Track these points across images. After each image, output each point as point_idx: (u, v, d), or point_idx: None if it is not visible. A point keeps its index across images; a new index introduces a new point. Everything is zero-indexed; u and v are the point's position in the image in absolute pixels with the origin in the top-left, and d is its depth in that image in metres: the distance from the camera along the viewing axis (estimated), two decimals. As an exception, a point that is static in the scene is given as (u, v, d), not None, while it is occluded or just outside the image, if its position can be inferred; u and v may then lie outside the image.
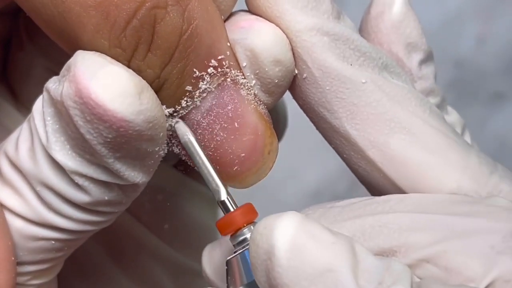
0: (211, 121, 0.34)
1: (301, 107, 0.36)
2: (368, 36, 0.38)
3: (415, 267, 0.32)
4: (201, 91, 0.33)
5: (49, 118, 0.32)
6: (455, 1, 0.80)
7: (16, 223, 0.34)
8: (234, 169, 0.34)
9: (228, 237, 0.34)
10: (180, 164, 0.46)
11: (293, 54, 0.34)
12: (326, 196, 0.79)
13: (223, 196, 0.34)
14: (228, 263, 0.33)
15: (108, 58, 0.31)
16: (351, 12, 0.37)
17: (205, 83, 0.33)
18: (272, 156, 0.35)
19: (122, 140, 0.31)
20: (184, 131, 0.34)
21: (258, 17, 0.34)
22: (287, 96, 0.37)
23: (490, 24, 0.81)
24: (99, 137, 0.31)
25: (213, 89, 0.33)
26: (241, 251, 0.33)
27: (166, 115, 0.33)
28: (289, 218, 0.29)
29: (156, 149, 0.32)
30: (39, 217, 0.33)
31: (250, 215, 0.34)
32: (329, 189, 0.79)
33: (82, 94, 0.30)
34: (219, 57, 0.33)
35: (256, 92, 0.34)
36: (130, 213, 0.44)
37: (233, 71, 0.34)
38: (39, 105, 0.33)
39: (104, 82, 0.30)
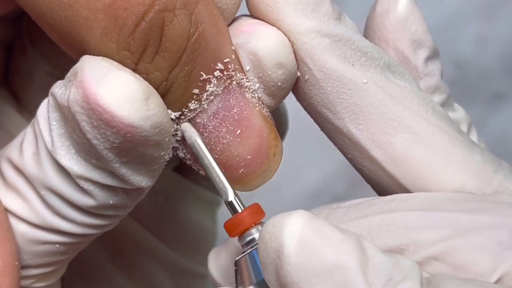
0: (217, 124, 0.34)
1: (305, 108, 0.36)
2: (373, 33, 0.39)
3: (423, 265, 0.32)
4: (208, 93, 0.33)
5: (54, 123, 0.32)
6: (455, 1, 0.80)
7: (20, 227, 0.34)
8: (240, 171, 0.35)
9: (234, 239, 0.34)
10: (181, 167, 0.46)
11: (295, 56, 0.35)
12: (326, 196, 0.79)
13: (231, 196, 0.34)
14: (237, 263, 0.33)
15: (115, 63, 0.31)
16: (351, 12, 0.37)
17: (212, 86, 0.33)
18: (277, 158, 0.35)
19: (129, 145, 0.31)
20: (190, 132, 0.34)
21: (260, 21, 0.35)
22: (287, 97, 0.37)
23: (490, 24, 0.81)
24: (106, 143, 0.31)
25: (220, 92, 0.34)
26: (249, 250, 0.33)
27: (172, 118, 0.33)
28: (297, 216, 0.29)
29: (162, 153, 0.32)
30: (43, 221, 0.33)
31: (258, 215, 0.34)
32: (329, 189, 0.79)
33: (90, 99, 0.30)
34: (225, 60, 0.33)
35: (259, 95, 0.35)
36: (131, 215, 0.44)
37: (238, 74, 0.34)
38: (44, 110, 0.33)
39: (111, 87, 0.30)
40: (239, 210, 0.34)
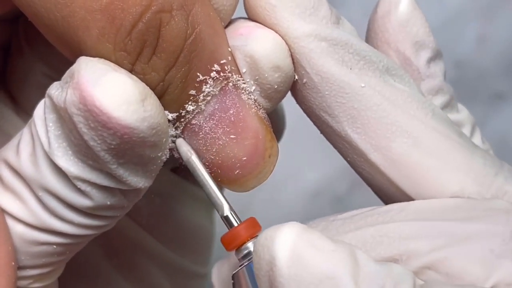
0: (213, 126, 0.34)
1: (304, 111, 0.37)
2: (375, 35, 0.39)
3: (417, 275, 0.32)
4: (204, 94, 0.33)
5: (51, 124, 0.32)
6: (455, 1, 0.80)
7: (17, 228, 0.34)
8: (236, 172, 0.35)
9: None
10: (178, 168, 0.46)
11: (293, 60, 0.35)
12: (326, 196, 0.79)
13: (227, 211, 0.34)
14: (234, 276, 0.34)
15: (112, 64, 0.32)
16: (352, 14, 0.37)
17: (208, 86, 0.33)
18: (273, 160, 0.35)
19: (126, 146, 0.31)
20: (186, 149, 0.34)
21: (258, 24, 0.35)
22: (286, 97, 0.37)
23: (490, 24, 0.81)
24: (103, 144, 0.31)
25: (216, 93, 0.34)
26: (246, 263, 0.33)
27: (170, 119, 0.33)
28: (289, 228, 0.30)
29: (159, 154, 0.33)
30: (40, 222, 0.33)
31: (254, 228, 0.34)
32: (329, 189, 0.79)
33: (86, 101, 0.30)
34: (222, 62, 0.33)
35: (256, 98, 0.35)
36: (128, 215, 0.44)
37: (234, 76, 0.34)
38: (41, 111, 0.33)
39: (108, 89, 0.30)
40: (235, 224, 0.34)
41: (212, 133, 0.34)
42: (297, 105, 0.37)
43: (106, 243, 0.44)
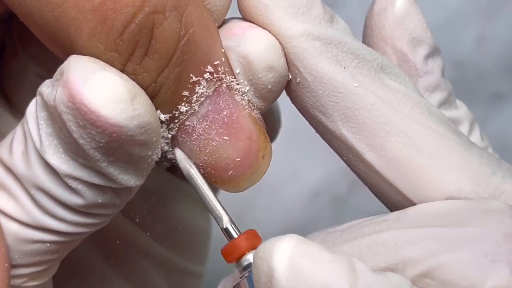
0: (207, 127, 0.34)
1: (299, 110, 0.36)
2: (372, 32, 0.39)
3: (414, 283, 0.32)
4: (198, 95, 0.33)
5: (42, 122, 0.32)
6: (455, 1, 0.80)
7: (11, 227, 0.34)
8: (229, 173, 0.35)
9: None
10: (174, 168, 0.46)
11: (286, 60, 0.35)
12: (326, 196, 0.79)
13: (226, 223, 0.35)
14: None
15: (102, 63, 0.32)
16: (351, 12, 0.37)
17: (201, 88, 0.33)
18: (266, 160, 0.35)
19: (115, 145, 0.31)
20: (185, 162, 0.34)
21: (251, 24, 0.35)
22: (285, 97, 0.37)
23: (490, 24, 0.81)
24: (92, 142, 0.31)
25: (210, 94, 0.34)
26: (247, 275, 0.33)
27: (163, 120, 0.33)
28: (287, 240, 0.30)
29: (149, 153, 0.33)
30: (34, 220, 0.33)
31: (254, 240, 0.34)
32: (329, 189, 0.79)
33: (75, 99, 0.30)
34: (215, 63, 0.33)
35: (250, 98, 0.35)
36: (123, 214, 0.44)
37: (227, 77, 0.34)
38: (33, 109, 0.33)
39: (96, 87, 0.30)
40: (235, 236, 0.34)
41: (206, 134, 0.34)
42: (296, 105, 0.37)
43: (101, 242, 0.44)
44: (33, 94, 0.33)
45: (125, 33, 0.31)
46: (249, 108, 0.35)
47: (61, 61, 0.33)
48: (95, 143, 0.31)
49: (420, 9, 0.38)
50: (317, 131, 0.37)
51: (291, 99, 0.36)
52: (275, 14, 0.34)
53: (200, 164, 0.35)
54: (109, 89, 0.30)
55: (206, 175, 0.35)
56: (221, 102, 0.34)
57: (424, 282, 0.32)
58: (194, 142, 0.34)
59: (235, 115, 0.34)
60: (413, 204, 0.35)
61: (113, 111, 0.30)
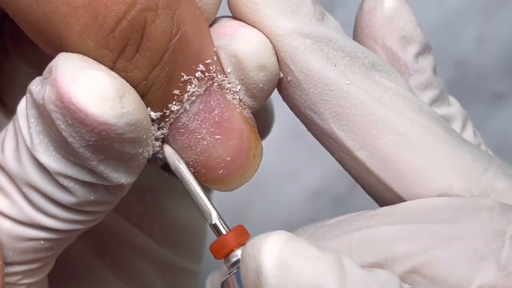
0: (197, 126, 0.34)
1: (291, 109, 0.36)
2: (361, 31, 0.38)
3: (403, 279, 0.32)
4: (189, 94, 0.33)
5: (32, 120, 0.32)
6: (455, 1, 0.80)
7: (4, 224, 0.34)
8: (220, 172, 0.35)
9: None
10: (168, 166, 0.46)
11: (277, 58, 0.35)
12: (326, 196, 0.79)
13: (215, 219, 0.35)
14: (223, 284, 0.34)
15: (90, 60, 0.31)
16: (351, 13, 0.37)
17: (193, 86, 0.33)
18: (257, 160, 0.35)
19: (105, 143, 0.31)
20: (173, 157, 0.34)
21: (241, 23, 0.35)
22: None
23: (490, 24, 0.81)
24: (81, 140, 0.31)
25: (201, 93, 0.34)
26: (235, 271, 0.33)
27: (154, 119, 0.33)
28: (275, 237, 0.30)
29: (140, 151, 0.33)
30: (27, 218, 0.33)
31: (242, 236, 0.34)
32: (329, 189, 0.79)
33: (63, 98, 0.30)
34: (207, 62, 0.33)
35: (241, 97, 0.35)
36: (119, 213, 0.44)
37: (219, 76, 0.34)
38: (23, 107, 0.33)
39: (84, 86, 0.30)
40: (224, 232, 0.34)
41: (197, 133, 0.34)
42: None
43: (97, 242, 0.44)
44: (25, 96, 0.33)
45: (116, 30, 0.31)
46: (240, 107, 0.35)
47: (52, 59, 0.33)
48: (84, 141, 0.31)
49: (409, 7, 0.38)
50: (309, 130, 0.37)
51: (282, 97, 0.36)
52: (266, 13, 0.34)
53: (191, 163, 0.35)
54: (97, 87, 0.30)
55: (197, 174, 0.35)
56: (212, 101, 0.34)
57: (413, 278, 0.32)
58: (185, 141, 0.34)
59: (226, 114, 0.34)
60: (404, 201, 0.35)
61: (101, 109, 0.30)
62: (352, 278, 0.29)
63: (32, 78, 0.40)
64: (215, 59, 0.34)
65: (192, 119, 0.34)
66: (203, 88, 0.34)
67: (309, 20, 0.35)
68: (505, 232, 0.32)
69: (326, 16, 0.36)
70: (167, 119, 0.34)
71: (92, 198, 0.33)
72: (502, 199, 0.34)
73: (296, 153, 0.76)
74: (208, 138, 0.34)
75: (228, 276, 0.34)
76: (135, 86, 0.32)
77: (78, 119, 0.30)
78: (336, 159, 0.36)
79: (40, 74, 0.33)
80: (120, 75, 0.32)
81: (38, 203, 0.33)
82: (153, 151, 0.34)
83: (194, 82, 0.33)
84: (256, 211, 0.76)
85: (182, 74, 0.33)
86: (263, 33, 0.34)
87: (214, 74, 0.34)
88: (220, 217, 0.35)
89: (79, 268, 0.44)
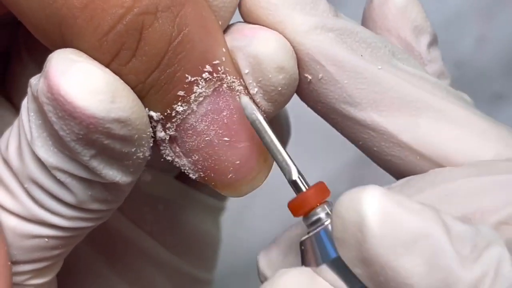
0: (205, 127, 0.33)
1: (320, 111, 0.36)
2: (373, 24, 0.39)
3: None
4: (196, 95, 0.33)
5: (32, 114, 0.32)
6: (455, 1, 0.80)
7: (10, 221, 0.34)
8: (229, 176, 0.34)
9: (282, 235, 0.34)
10: (182, 175, 0.46)
11: (304, 57, 0.34)
12: (326, 196, 0.79)
13: (295, 175, 0.33)
14: (303, 243, 0.32)
15: (85, 55, 0.31)
16: (351, 13, 0.37)
17: (200, 87, 0.33)
18: (268, 164, 0.35)
19: (93, 137, 0.31)
20: (251, 109, 0.33)
21: (262, 26, 0.34)
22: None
23: (490, 24, 0.81)
24: (72, 134, 0.31)
25: (209, 94, 0.33)
26: (319, 229, 0.32)
27: (155, 119, 0.33)
28: (374, 189, 0.29)
29: (133, 150, 0.32)
30: (30, 214, 0.33)
31: (323, 194, 0.33)
32: (330, 189, 0.79)
33: (53, 90, 0.30)
34: (214, 62, 0.33)
35: (258, 100, 0.34)
36: (132, 221, 0.44)
37: (229, 77, 0.33)
38: (25, 101, 0.33)
39: (74, 78, 0.30)
40: (304, 189, 0.33)
41: (205, 135, 0.33)
42: (296, 105, 0.37)
43: (108, 249, 0.44)
44: None
45: (110, 34, 0.31)
46: None
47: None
48: (74, 135, 0.31)
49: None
50: (341, 129, 0.36)
51: (308, 102, 0.36)
52: (285, 12, 0.34)
53: (200, 167, 0.34)
54: (88, 80, 0.30)
55: (205, 178, 0.34)
56: (221, 103, 0.33)
57: (505, 230, 0.31)
58: (193, 143, 0.34)
59: (235, 116, 0.34)
60: None
61: (90, 102, 0.30)
62: (456, 230, 0.29)
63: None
64: (224, 60, 0.33)
65: (200, 120, 0.33)
66: (211, 89, 0.33)
67: (326, 15, 0.35)
68: None
69: (338, 14, 0.36)
70: (173, 120, 0.33)
71: (90, 194, 0.33)
72: None
73: (296, 153, 0.76)
74: (216, 141, 0.34)
75: (310, 234, 0.32)
76: (131, 88, 0.32)
77: (67, 111, 0.30)
78: (374, 152, 0.36)
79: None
80: None
81: (40, 199, 0.33)
82: (169, 161, 0.34)
83: (200, 83, 0.33)
84: (256, 211, 0.76)
85: (187, 75, 0.32)
86: (286, 32, 0.34)
87: (224, 75, 0.33)
88: (300, 173, 0.33)
89: (90, 276, 0.44)
